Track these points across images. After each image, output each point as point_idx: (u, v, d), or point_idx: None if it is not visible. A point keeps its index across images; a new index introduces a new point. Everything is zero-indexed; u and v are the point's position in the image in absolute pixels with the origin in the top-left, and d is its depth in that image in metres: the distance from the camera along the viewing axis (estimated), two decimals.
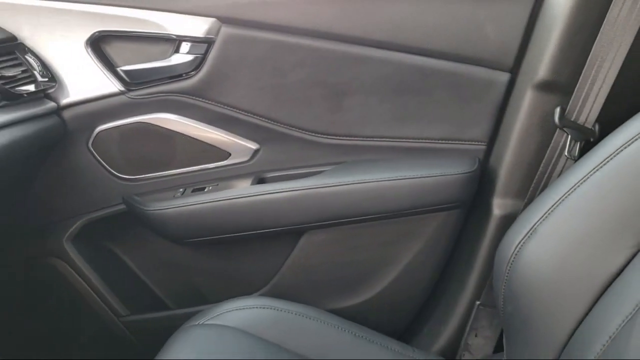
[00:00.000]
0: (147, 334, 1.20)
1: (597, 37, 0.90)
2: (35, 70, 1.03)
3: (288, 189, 1.07)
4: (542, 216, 0.82)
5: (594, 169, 0.80)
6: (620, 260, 0.76)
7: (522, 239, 0.82)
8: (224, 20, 1.05)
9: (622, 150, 0.78)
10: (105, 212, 1.17)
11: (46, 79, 1.04)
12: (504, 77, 1.04)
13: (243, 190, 1.09)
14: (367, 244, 1.10)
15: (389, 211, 1.06)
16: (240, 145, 1.13)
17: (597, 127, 0.94)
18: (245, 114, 1.10)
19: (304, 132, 1.11)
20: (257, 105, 1.09)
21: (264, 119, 1.10)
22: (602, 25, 0.89)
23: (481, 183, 1.06)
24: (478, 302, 1.05)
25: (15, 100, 0.96)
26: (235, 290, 1.12)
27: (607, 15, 0.89)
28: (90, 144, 1.12)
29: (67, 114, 1.08)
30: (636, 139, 0.77)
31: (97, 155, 1.12)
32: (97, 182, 1.14)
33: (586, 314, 0.78)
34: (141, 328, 1.20)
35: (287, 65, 1.07)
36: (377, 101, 1.08)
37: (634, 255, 0.75)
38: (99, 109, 1.09)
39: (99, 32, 1.06)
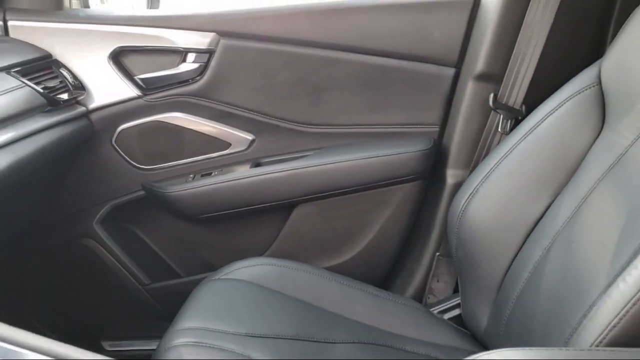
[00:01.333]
0: (166, 298, 1.43)
1: (519, 37, 1.16)
2: (68, 81, 1.25)
3: (280, 170, 1.31)
4: (482, 180, 1.07)
5: (519, 140, 1.05)
6: (541, 208, 1.02)
7: (467, 198, 1.07)
8: (222, 34, 1.29)
9: (539, 125, 1.04)
10: (127, 198, 1.39)
11: (77, 88, 1.26)
12: (450, 71, 1.29)
13: (243, 173, 1.32)
14: (346, 213, 1.34)
15: (362, 184, 1.30)
16: (238, 137, 1.36)
17: (523, 107, 1.19)
18: (242, 110, 1.34)
19: (290, 123, 1.35)
20: (251, 102, 1.33)
21: (257, 114, 1.34)
22: (522, 27, 1.15)
23: (436, 158, 1.31)
24: (438, 254, 1.30)
25: (56, 106, 1.18)
26: (238, 259, 1.35)
27: (525, 19, 1.14)
28: (113, 141, 1.34)
29: (94, 117, 1.31)
30: (549, 116, 1.03)
31: (119, 150, 1.35)
32: (120, 173, 1.37)
33: (517, 253, 1.03)
34: (161, 293, 1.43)
35: (275, 68, 1.31)
36: (349, 95, 1.32)
37: (550, 204, 1.00)
38: (120, 111, 1.32)
39: (119, 47, 1.29)
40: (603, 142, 0.98)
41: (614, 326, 0.66)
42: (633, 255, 0.72)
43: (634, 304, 0.65)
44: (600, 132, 1.00)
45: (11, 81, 1.07)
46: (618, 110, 0.96)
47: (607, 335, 0.66)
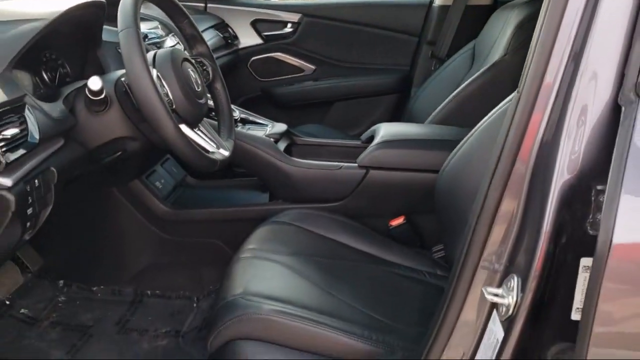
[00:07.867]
0: None
1: (444, 24, 2.45)
2: (230, 34, 2.62)
3: (328, 83, 2.67)
4: (421, 90, 2.38)
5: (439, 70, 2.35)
6: None
7: (414, 98, 2.39)
8: (305, 14, 2.64)
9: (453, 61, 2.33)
10: (252, 95, 2.76)
11: (234, 38, 2.64)
12: (415, 39, 2.62)
13: (309, 84, 2.69)
14: (361, 109, 2.69)
15: (370, 93, 2.65)
16: (308, 66, 2.72)
17: (447, 58, 2.48)
18: (311, 53, 2.69)
19: (335, 61, 2.70)
20: (316, 49, 2.69)
21: (318, 55, 2.70)
22: (445, 19, 2.44)
23: (407, 81, 2.63)
24: None
25: (226, 45, 2.55)
26: (306, 123, 2.69)
27: (449, 9, 2.44)
28: (248, 65, 2.72)
29: (240, 52, 2.68)
30: (460, 55, 2.30)
31: (251, 70, 2.73)
32: (250, 82, 2.74)
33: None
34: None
35: (329, 33, 2.66)
36: (366, 48, 2.66)
37: None
38: (251, 51, 2.69)
39: (255, 18, 2.66)
40: None
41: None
42: None
43: None
44: None
45: (213, 33, 2.45)
46: None
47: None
